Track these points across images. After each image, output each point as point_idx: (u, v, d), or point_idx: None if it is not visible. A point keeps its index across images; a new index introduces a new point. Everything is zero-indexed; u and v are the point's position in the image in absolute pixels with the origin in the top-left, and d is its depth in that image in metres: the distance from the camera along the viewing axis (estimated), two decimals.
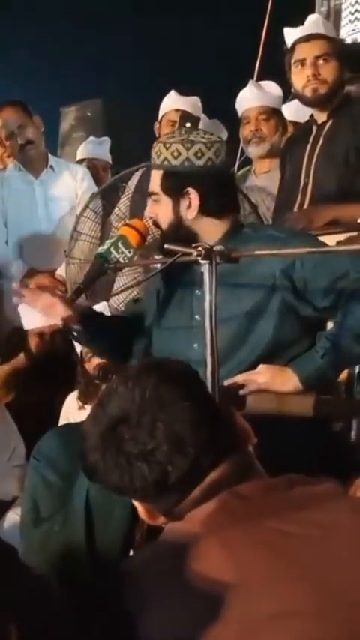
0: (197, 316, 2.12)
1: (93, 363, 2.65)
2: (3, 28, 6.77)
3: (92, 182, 3.73)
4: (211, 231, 2.08)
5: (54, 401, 3.07)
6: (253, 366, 2.02)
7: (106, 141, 4.44)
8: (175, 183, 2.06)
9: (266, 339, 2.04)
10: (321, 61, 2.83)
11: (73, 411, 2.89)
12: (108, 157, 4.37)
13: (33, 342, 3.17)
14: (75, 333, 2.21)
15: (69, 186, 3.69)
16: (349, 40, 4.40)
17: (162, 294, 2.23)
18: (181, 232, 2.04)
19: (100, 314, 2.44)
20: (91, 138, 4.49)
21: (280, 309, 2.03)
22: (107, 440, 1.19)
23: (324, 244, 2.09)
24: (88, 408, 2.59)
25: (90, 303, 2.41)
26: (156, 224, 2.15)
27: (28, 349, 3.17)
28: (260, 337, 2.04)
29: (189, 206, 2.07)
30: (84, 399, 2.86)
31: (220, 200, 2.10)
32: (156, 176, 2.10)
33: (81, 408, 2.86)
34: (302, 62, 2.86)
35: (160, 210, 2.10)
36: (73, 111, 5.34)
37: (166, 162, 2.06)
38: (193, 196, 2.05)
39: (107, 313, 2.61)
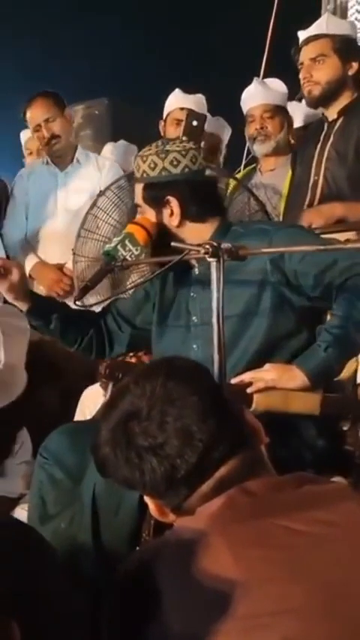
0: (194, 318, 2.13)
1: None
2: (12, 23, 6.79)
3: (118, 175, 3.56)
4: (198, 235, 2.08)
5: (57, 396, 3.06)
6: (251, 361, 2.02)
7: (134, 149, 4.37)
8: (155, 194, 2.10)
9: (262, 334, 2.04)
10: (316, 63, 2.87)
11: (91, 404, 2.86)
12: (130, 165, 4.30)
13: None
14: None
15: (92, 179, 3.63)
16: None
17: (157, 297, 2.24)
18: (168, 240, 2.04)
19: (53, 302, 2.47)
20: (122, 141, 4.40)
21: (274, 303, 2.03)
22: (118, 434, 1.21)
23: (314, 236, 2.09)
24: None
25: (100, 300, 2.41)
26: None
27: None
28: (256, 332, 2.04)
29: (171, 214, 2.09)
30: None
31: (202, 204, 2.12)
32: (138, 189, 2.14)
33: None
34: (301, 65, 2.92)
35: (146, 223, 2.12)
36: (80, 109, 5.33)
37: (145, 175, 2.10)
38: (174, 204, 2.08)
39: None
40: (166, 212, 2.09)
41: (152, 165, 2.09)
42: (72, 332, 2.30)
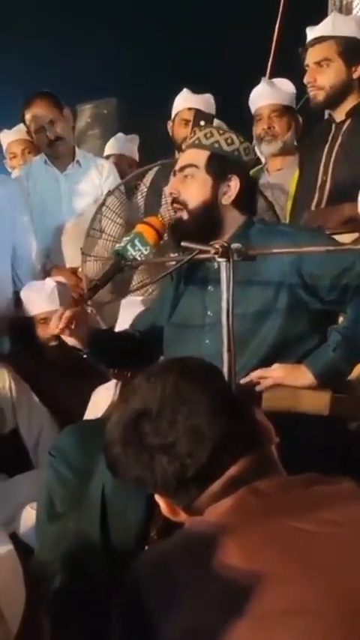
0: (210, 312, 2.14)
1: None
2: (18, 23, 6.78)
3: (118, 178, 3.66)
4: (233, 222, 2.16)
5: (68, 393, 3.07)
6: (262, 361, 2.03)
7: (134, 138, 4.40)
8: (222, 167, 2.15)
9: (274, 335, 2.05)
10: (320, 67, 2.87)
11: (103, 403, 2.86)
12: (135, 154, 4.32)
13: (38, 328, 3.17)
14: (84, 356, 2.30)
15: (94, 182, 3.64)
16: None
17: (174, 291, 2.25)
18: (208, 213, 2.12)
19: (108, 334, 2.52)
20: (120, 134, 4.43)
21: (289, 305, 2.05)
22: (129, 433, 1.22)
23: (333, 240, 2.11)
24: None
25: (110, 299, 2.43)
26: (176, 201, 2.18)
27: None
28: (269, 332, 2.06)
29: (226, 192, 2.14)
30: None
31: (250, 197, 2.21)
32: (197, 154, 2.17)
33: None
34: (307, 67, 2.91)
35: (194, 186, 2.16)
36: (89, 108, 5.33)
37: (216, 145, 2.15)
38: (234, 184, 2.14)
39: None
40: (222, 187, 2.15)
41: (229, 141, 2.16)
42: (130, 362, 2.37)
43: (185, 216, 2.15)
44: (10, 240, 3.37)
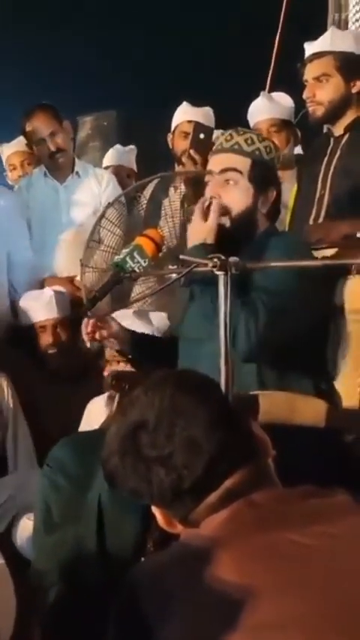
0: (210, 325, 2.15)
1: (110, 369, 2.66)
2: (22, 34, 6.82)
3: (117, 188, 3.66)
4: (262, 225, 2.20)
5: (67, 399, 3.08)
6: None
7: (132, 149, 4.41)
8: (265, 175, 2.17)
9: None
10: (319, 82, 2.88)
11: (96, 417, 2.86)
12: (133, 165, 4.33)
13: (38, 337, 3.19)
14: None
15: (94, 192, 3.64)
16: None
17: (187, 305, 2.26)
18: (247, 220, 2.15)
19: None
20: (118, 146, 4.44)
21: None
22: (126, 445, 1.23)
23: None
24: None
25: (109, 311, 2.45)
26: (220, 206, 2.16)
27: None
28: None
29: (265, 201, 2.18)
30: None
31: (277, 207, 2.24)
32: (238, 160, 2.16)
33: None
34: (306, 82, 2.93)
35: (237, 193, 2.17)
36: (89, 121, 5.35)
37: (257, 153, 2.17)
38: (271, 195, 2.19)
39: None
40: (262, 196, 2.18)
41: (268, 150, 2.19)
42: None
43: (228, 223, 2.15)
44: (5, 249, 3.38)
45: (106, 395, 2.79)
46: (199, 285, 2.07)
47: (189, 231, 2.15)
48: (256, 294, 2.03)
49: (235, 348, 1.94)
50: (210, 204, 2.14)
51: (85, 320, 2.24)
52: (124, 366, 2.67)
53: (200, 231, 2.11)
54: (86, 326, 2.23)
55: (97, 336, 2.25)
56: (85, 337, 2.27)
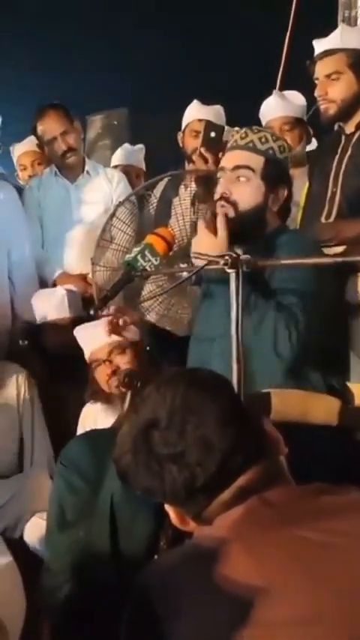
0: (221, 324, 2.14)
1: (104, 370, 2.61)
2: (32, 32, 6.83)
3: (128, 187, 3.69)
4: (272, 222, 2.21)
5: (69, 399, 3.07)
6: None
7: (141, 148, 4.42)
8: (277, 174, 2.19)
9: None
10: (331, 80, 2.87)
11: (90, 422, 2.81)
12: (142, 164, 4.34)
13: (46, 335, 3.18)
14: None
15: (104, 191, 3.66)
16: None
17: (198, 305, 2.27)
18: (256, 217, 2.16)
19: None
20: (126, 145, 4.45)
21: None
22: (139, 443, 1.22)
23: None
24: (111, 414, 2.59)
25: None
26: (227, 201, 2.17)
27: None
28: None
29: (276, 199, 2.19)
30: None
31: (288, 206, 2.25)
32: (252, 158, 2.18)
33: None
34: (316, 80, 2.91)
35: (248, 190, 2.17)
36: (99, 119, 5.35)
37: (271, 152, 2.18)
38: (282, 193, 2.20)
39: None
40: (273, 193, 2.19)
41: (282, 149, 2.22)
42: None
43: (232, 213, 2.14)
44: (6, 246, 3.40)
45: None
46: (219, 283, 2.06)
47: (197, 246, 2.12)
48: (286, 297, 2.03)
49: (277, 354, 1.98)
50: (215, 217, 2.14)
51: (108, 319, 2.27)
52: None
53: (213, 246, 2.05)
54: (110, 323, 2.27)
55: (120, 322, 2.26)
56: (105, 328, 2.27)
